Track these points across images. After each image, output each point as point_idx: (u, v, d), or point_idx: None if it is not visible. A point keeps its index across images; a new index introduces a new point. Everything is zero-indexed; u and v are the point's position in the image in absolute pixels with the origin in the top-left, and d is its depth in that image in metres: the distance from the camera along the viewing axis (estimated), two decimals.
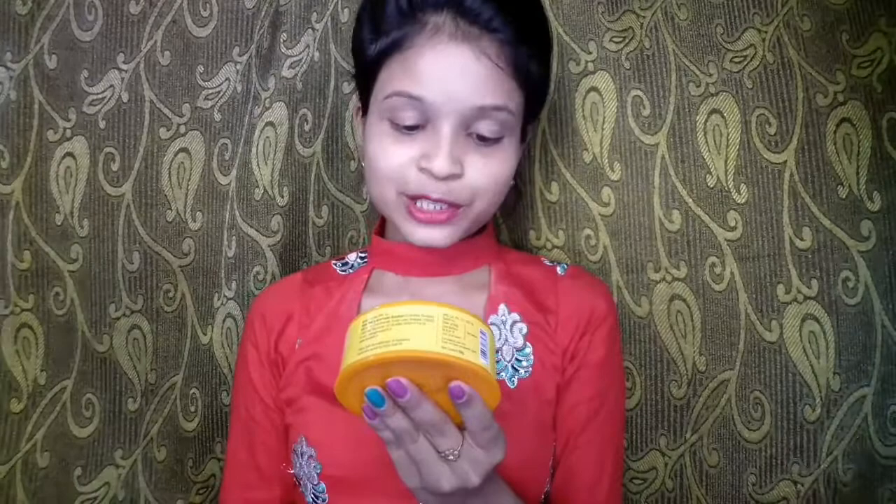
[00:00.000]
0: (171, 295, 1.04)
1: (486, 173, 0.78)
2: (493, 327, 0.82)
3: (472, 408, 0.62)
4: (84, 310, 1.00)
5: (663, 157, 0.97)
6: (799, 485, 0.91)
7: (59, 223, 0.98)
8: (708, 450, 0.95)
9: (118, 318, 1.02)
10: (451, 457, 0.64)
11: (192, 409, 1.05)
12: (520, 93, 0.79)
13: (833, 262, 0.91)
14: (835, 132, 0.92)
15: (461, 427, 0.64)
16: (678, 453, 0.97)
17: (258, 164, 1.03)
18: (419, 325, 0.60)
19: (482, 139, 0.78)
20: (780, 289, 0.93)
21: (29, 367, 0.96)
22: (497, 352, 0.81)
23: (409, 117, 0.77)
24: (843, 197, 0.91)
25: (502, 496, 0.72)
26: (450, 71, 0.75)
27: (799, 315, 0.92)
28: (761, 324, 0.94)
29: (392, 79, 0.78)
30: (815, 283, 0.92)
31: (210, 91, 1.05)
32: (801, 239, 0.92)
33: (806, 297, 0.92)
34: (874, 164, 0.91)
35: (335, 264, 0.94)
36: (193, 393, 1.05)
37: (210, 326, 1.06)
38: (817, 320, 0.91)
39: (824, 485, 0.91)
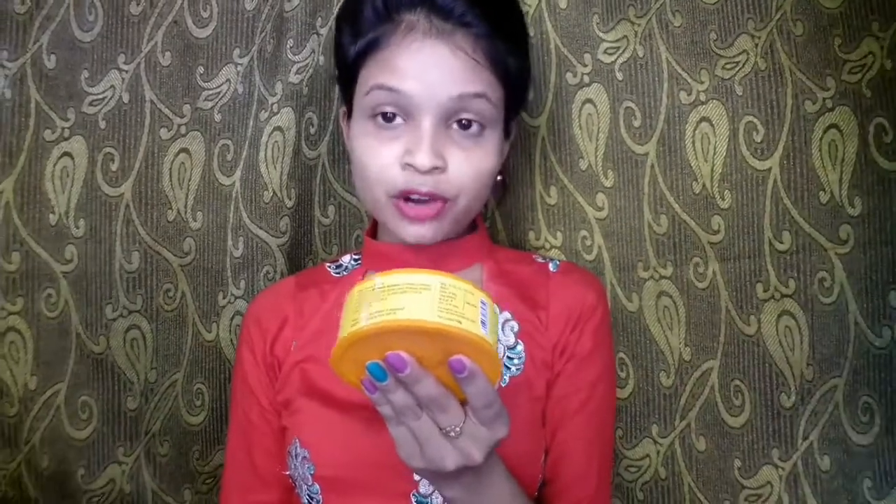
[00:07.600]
0: (171, 294, 1.04)
1: (469, 167, 0.80)
2: None
3: (473, 383, 0.60)
4: (79, 311, 0.99)
5: (653, 167, 1.02)
6: (780, 469, 0.98)
7: (53, 223, 0.97)
8: (696, 436, 1.02)
9: (115, 319, 1.01)
10: (452, 433, 0.62)
11: (198, 403, 1.06)
12: (499, 85, 0.81)
13: (811, 264, 0.97)
14: (821, 139, 0.96)
15: (463, 402, 0.63)
16: (669, 440, 1.03)
17: (267, 168, 1.04)
18: (415, 293, 0.57)
19: (463, 128, 0.79)
20: (759, 287, 0.99)
21: (18, 372, 0.94)
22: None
23: (389, 109, 0.79)
24: (824, 202, 0.96)
25: (501, 477, 0.73)
26: (426, 65, 0.77)
27: (776, 311, 0.98)
28: (740, 318, 1.00)
29: (371, 75, 0.80)
30: (792, 282, 0.98)
31: (210, 92, 1.05)
32: (781, 242, 0.98)
33: (783, 295, 0.98)
34: (858, 170, 0.95)
35: (329, 267, 0.95)
36: (198, 388, 1.06)
37: (215, 324, 1.06)
38: (793, 316, 0.98)
39: (804, 470, 0.97)
